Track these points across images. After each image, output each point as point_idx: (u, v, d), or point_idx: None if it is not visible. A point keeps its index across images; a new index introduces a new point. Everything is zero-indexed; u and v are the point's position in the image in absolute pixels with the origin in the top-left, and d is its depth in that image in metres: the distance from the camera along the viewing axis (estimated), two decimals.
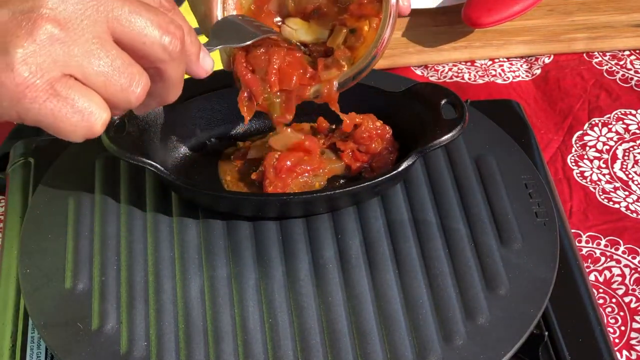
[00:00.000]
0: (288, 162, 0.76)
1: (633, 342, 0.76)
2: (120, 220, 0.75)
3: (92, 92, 0.54)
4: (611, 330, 0.76)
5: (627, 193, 0.88)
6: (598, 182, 0.89)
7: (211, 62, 0.62)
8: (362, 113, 0.80)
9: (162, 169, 0.74)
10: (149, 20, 0.54)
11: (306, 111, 0.82)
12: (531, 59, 1.03)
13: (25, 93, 0.52)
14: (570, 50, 1.04)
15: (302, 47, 0.77)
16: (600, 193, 0.88)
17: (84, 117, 0.53)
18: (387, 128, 0.78)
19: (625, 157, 0.92)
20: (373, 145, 0.78)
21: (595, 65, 1.02)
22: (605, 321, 0.77)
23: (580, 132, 0.95)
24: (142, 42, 0.55)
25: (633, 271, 0.81)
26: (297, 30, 0.78)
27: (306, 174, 0.77)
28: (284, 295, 0.70)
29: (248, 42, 0.73)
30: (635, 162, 0.91)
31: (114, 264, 0.72)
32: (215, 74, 0.89)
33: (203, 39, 0.70)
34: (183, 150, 0.81)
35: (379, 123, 0.78)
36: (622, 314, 0.78)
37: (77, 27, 0.53)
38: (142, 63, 0.55)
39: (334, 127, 0.81)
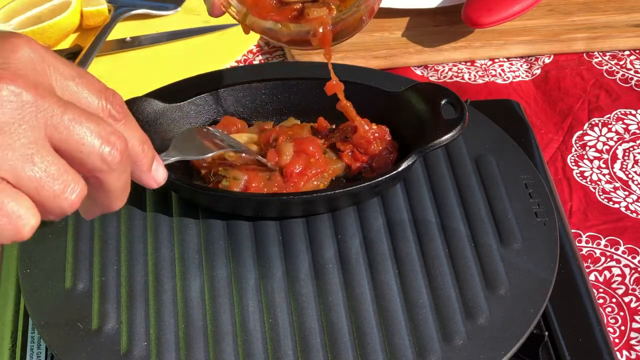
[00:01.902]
0: (299, 167, 0.76)
1: (633, 342, 0.76)
2: (120, 220, 0.75)
3: (22, 197, 0.53)
4: (611, 330, 0.76)
5: (627, 193, 0.88)
6: (598, 182, 0.89)
7: (164, 173, 0.61)
8: (362, 113, 0.80)
9: None
10: (89, 129, 0.54)
11: (306, 112, 0.82)
12: (531, 59, 1.03)
13: None
14: (570, 50, 1.04)
15: None
16: (600, 193, 0.88)
17: (11, 220, 0.53)
18: (385, 128, 0.78)
19: (625, 157, 0.92)
20: (372, 146, 0.78)
21: (595, 65, 1.02)
22: (605, 321, 0.77)
23: (580, 132, 0.95)
24: (80, 151, 0.54)
25: (633, 271, 0.81)
26: None
27: (314, 178, 0.76)
28: (284, 295, 0.70)
29: (206, 156, 0.74)
30: (635, 162, 0.91)
31: (114, 264, 0.72)
32: (215, 75, 0.89)
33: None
34: None
35: (374, 126, 0.78)
36: (622, 314, 0.78)
37: (14, 132, 0.52)
38: (81, 171, 0.55)
39: (333, 126, 0.81)
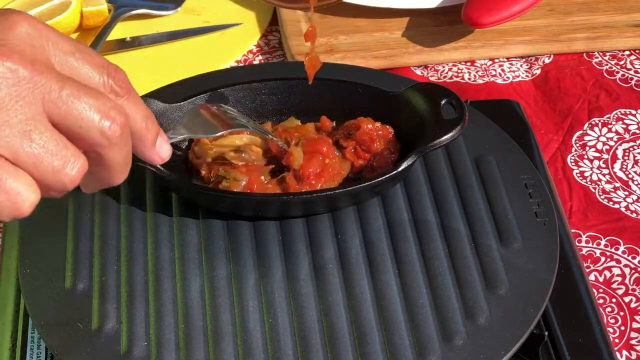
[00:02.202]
0: (317, 169, 0.76)
1: (633, 342, 0.76)
2: (120, 220, 0.75)
3: (21, 173, 0.53)
4: (611, 330, 0.76)
5: (627, 193, 0.88)
6: (598, 182, 0.89)
7: (168, 149, 0.61)
8: (362, 113, 0.80)
9: (162, 169, 0.74)
10: (88, 104, 0.54)
11: (306, 112, 0.82)
12: (531, 59, 1.03)
13: None
14: (570, 50, 1.04)
15: None
16: (600, 193, 0.88)
17: (9, 197, 0.53)
18: (389, 128, 0.78)
19: (625, 157, 0.92)
20: (375, 145, 0.78)
21: (595, 65, 1.02)
22: (605, 321, 0.77)
23: (580, 132, 0.95)
24: (79, 126, 0.54)
25: (633, 271, 0.81)
26: None
27: (329, 179, 0.76)
28: (284, 295, 0.70)
29: (215, 135, 0.73)
30: (635, 162, 0.91)
31: (114, 264, 0.72)
32: (215, 75, 0.89)
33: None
34: (183, 150, 0.81)
35: (378, 124, 0.78)
36: (622, 313, 0.78)
37: (11, 108, 0.52)
38: (81, 146, 0.55)
39: (334, 124, 0.81)
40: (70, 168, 0.54)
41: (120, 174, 0.58)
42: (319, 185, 0.75)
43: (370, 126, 0.78)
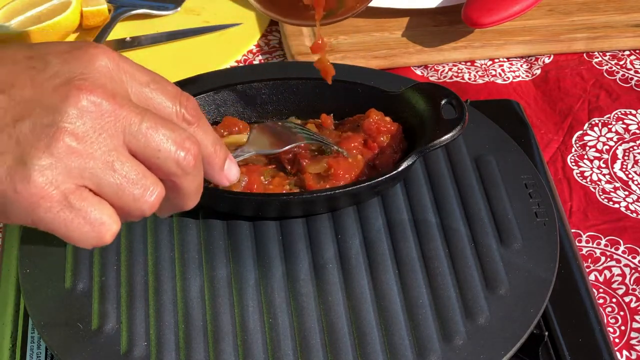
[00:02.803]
0: (340, 172, 0.76)
1: (633, 342, 0.76)
2: None
3: (104, 204, 0.56)
4: (611, 330, 0.76)
5: (627, 193, 0.88)
6: (598, 182, 0.89)
7: (236, 171, 0.64)
8: (363, 113, 0.80)
9: None
10: (165, 136, 0.56)
11: (306, 112, 0.82)
12: (531, 59, 1.03)
13: (40, 203, 0.54)
14: (570, 50, 1.04)
15: None
16: (600, 193, 0.88)
17: (94, 228, 0.55)
18: (398, 126, 0.78)
19: (625, 157, 0.92)
20: (381, 137, 0.78)
21: (595, 65, 1.02)
22: (605, 321, 0.77)
23: (580, 132, 0.95)
24: (157, 157, 0.56)
25: (633, 271, 0.81)
26: None
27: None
28: (284, 295, 0.70)
29: (282, 150, 0.76)
30: (635, 162, 0.91)
31: (114, 264, 0.72)
32: (215, 75, 0.89)
33: None
34: None
35: (388, 118, 0.78)
36: (622, 313, 0.78)
37: (95, 140, 0.55)
38: (157, 174, 0.57)
39: (337, 122, 0.81)
40: (149, 195, 0.57)
41: (192, 200, 0.61)
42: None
43: (377, 117, 0.78)
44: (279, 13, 0.77)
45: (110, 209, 0.56)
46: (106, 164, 0.55)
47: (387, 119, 0.79)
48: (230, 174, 0.63)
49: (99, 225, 0.55)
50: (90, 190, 0.55)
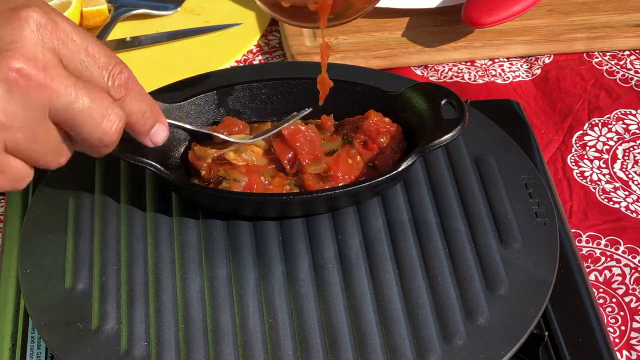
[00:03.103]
0: (340, 174, 0.76)
1: (633, 342, 0.76)
2: (120, 220, 0.75)
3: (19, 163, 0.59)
4: (611, 330, 0.76)
5: (627, 193, 0.88)
6: (598, 182, 0.89)
7: (164, 136, 0.67)
8: (363, 113, 0.80)
9: (162, 169, 0.74)
10: (90, 110, 0.59)
11: (315, 113, 0.82)
12: (531, 59, 1.03)
13: None
14: (570, 50, 1.04)
15: None
16: (600, 193, 0.88)
17: (12, 182, 0.59)
18: (398, 127, 0.78)
19: (625, 157, 0.92)
20: (381, 138, 0.78)
21: (595, 65, 1.02)
22: (605, 321, 0.77)
23: (580, 132, 0.94)
24: (80, 132, 0.59)
25: (633, 271, 0.81)
26: None
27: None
28: (284, 295, 0.70)
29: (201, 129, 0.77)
30: (635, 162, 0.91)
31: (114, 264, 0.72)
32: (215, 75, 0.89)
33: None
34: (183, 150, 0.81)
35: (387, 119, 0.78)
36: (622, 313, 0.78)
37: (20, 112, 0.56)
38: (79, 143, 0.61)
39: (337, 123, 0.81)
40: (60, 160, 0.61)
41: (104, 154, 0.63)
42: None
43: (377, 119, 0.78)
44: (287, 16, 0.77)
45: (25, 167, 0.59)
46: (30, 136, 0.57)
47: (387, 119, 0.79)
48: (156, 138, 0.66)
49: (17, 180, 0.59)
50: (12, 154, 0.58)
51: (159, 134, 0.66)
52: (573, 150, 0.92)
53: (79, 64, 0.59)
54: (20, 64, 0.55)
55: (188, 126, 0.77)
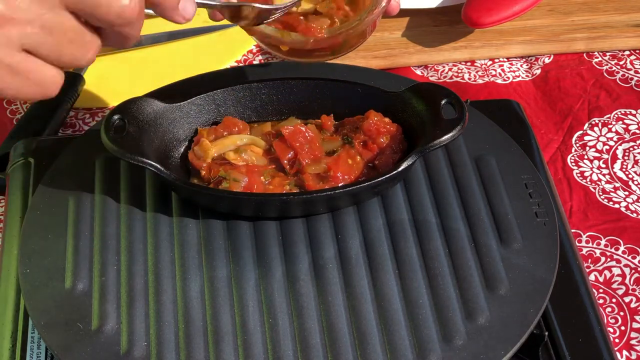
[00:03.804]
0: (346, 177, 0.76)
1: (633, 342, 0.76)
2: (120, 220, 0.75)
3: (44, 65, 0.58)
4: (611, 330, 0.76)
5: (627, 193, 0.88)
6: (598, 182, 0.89)
7: (192, 9, 0.64)
8: (363, 113, 0.80)
9: (162, 169, 0.74)
10: None
11: (306, 112, 0.83)
12: (531, 59, 1.03)
13: None
14: (570, 50, 1.04)
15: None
16: (600, 193, 0.88)
17: (38, 86, 0.58)
18: (398, 127, 0.78)
19: (625, 157, 0.92)
20: (381, 138, 0.78)
21: (595, 65, 1.02)
22: (605, 321, 0.77)
23: (580, 132, 0.95)
24: (97, 13, 0.57)
25: (633, 271, 0.81)
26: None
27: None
28: (284, 295, 0.70)
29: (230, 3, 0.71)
30: (635, 162, 0.91)
31: (114, 264, 0.72)
32: (215, 75, 0.89)
33: None
34: (183, 150, 0.81)
35: (387, 119, 0.78)
36: (622, 313, 0.78)
37: (30, 6, 0.56)
38: (99, 25, 0.59)
39: (336, 123, 0.81)
40: (87, 52, 0.59)
41: (133, 39, 0.61)
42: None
43: (377, 119, 0.78)
44: (287, 54, 0.80)
45: (49, 68, 0.58)
46: (44, 28, 0.56)
47: (387, 119, 0.79)
48: (185, 12, 0.64)
49: (43, 83, 0.58)
50: (31, 53, 0.57)
51: (187, 7, 0.64)
52: (573, 150, 0.92)
53: None
54: None
55: (213, 2, 0.71)
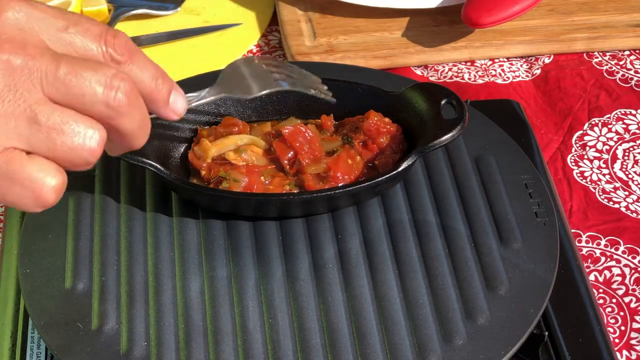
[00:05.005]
0: (345, 177, 0.76)
1: (633, 342, 0.76)
2: (120, 220, 0.75)
3: (34, 161, 0.52)
4: (611, 330, 0.76)
5: (627, 193, 0.88)
6: (598, 182, 0.89)
7: (183, 103, 0.59)
8: (363, 113, 0.80)
9: (162, 169, 0.74)
10: (87, 78, 0.52)
11: (306, 112, 0.82)
12: (531, 59, 1.03)
13: None
14: (570, 50, 1.04)
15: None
16: (600, 193, 0.88)
17: (26, 188, 0.52)
18: (398, 127, 0.78)
19: (625, 157, 0.92)
20: (381, 139, 0.78)
21: (595, 65, 1.02)
22: (605, 321, 0.77)
23: (580, 132, 0.95)
24: (83, 103, 0.53)
25: (633, 271, 0.81)
26: None
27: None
28: (284, 295, 0.70)
29: (250, 96, 0.67)
30: (635, 162, 0.91)
31: (114, 264, 0.72)
32: (215, 75, 0.89)
33: None
34: (183, 150, 0.81)
35: (387, 119, 0.78)
36: (622, 314, 0.78)
37: (12, 99, 0.52)
38: (93, 118, 0.54)
39: (336, 123, 0.81)
40: (88, 140, 0.53)
41: (139, 138, 0.56)
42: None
43: (377, 119, 0.78)
44: None
45: (43, 164, 0.52)
46: (29, 120, 0.51)
47: (387, 119, 0.79)
48: (176, 106, 0.58)
49: (29, 183, 0.52)
50: (23, 150, 0.52)
51: (178, 102, 0.58)
52: (573, 150, 0.92)
53: (67, 39, 0.54)
54: None
55: (213, 97, 0.65)
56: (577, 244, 0.83)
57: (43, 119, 0.52)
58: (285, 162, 0.77)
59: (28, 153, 0.52)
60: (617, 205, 0.87)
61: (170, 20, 1.08)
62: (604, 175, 0.90)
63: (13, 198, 0.52)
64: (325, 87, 0.71)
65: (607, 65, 1.02)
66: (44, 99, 0.52)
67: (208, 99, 0.65)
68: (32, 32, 0.53)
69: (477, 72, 1.01)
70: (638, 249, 0.83)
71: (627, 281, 0.80)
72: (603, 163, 0.91)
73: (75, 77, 0.52)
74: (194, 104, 0.64)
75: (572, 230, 0.83)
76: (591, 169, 0.90)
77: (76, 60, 0.53)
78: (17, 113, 0.51)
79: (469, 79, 1.01)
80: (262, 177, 0.76)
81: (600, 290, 0.80)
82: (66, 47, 0.54)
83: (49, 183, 0.52)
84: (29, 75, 0.52)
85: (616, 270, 0.81)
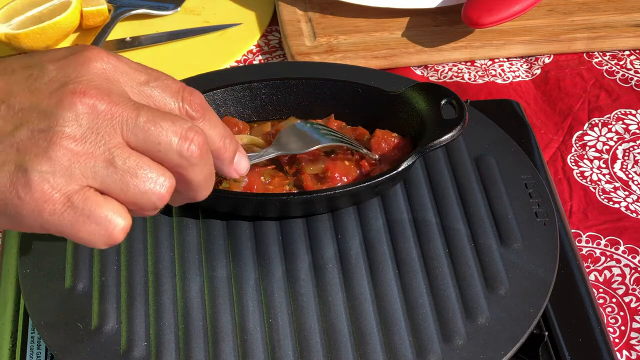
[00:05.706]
0: (343, 178, 0.76)
1: (633, 342, 0.76)
2: None
3: (109, 201, 0.56)
4: (611, 330, 0.76)
5: (627, 193, 0.88)
6: (598, 182, 0.89)
7: (246, 164, 0.64)
8: (363, 113, 0.80)
9: None
10: (164, 128, 0.56)
11: (306, 112, 0.82)
12: (531, 59, 1.03)
13: (44, 207, 0.55)
14: (570, 50, 1.04)
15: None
16: (600, 193, 0.88)
17: (100, 226, 0.56)
18: (406, 141, 0.78)
19: (625, 157, 0.92)
20: (392, 153, 0.78)
21: (595, 65, 1.02)
22: (605, 321, 0.77)
23: (580, 132, 0.95)
24: (158, 150, 0.57)
25: (633, 271, 0.81)
26: None
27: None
28: (284, 295, 0.70)
29: (305, 151, 0.75)
30: (635, 162, 0.91)
31: (114, 264, 0.72)
32: (215, 75, 0.89)
33: None
34: None
35: (394, 135, 0.78)
36: (622, 313, 0.78)
37: (93, 140, 0.55)
38: (164, 166, 0.58)
39: (344, 124, 0.81)
40: (157, 187, 0.57)
41: (203, 191, 0.60)
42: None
43: (384, 145, 0.78)
44: None
45: (116, 205, 0.56)
46: (107, 161, 0.55)
47: (394, 134, 0.78)
48: (240, 167, 0.64)
49: (104, 222, 0.56)
50: (97, 189, 0.56)
51: (242, 163, 0.64)
52: (573, 150, 0.92)
53: (147, 93, 0.59)
54: (84, 94, 0.55)
55: (270, 155, 0.75)
56: (577, 244, 0.83)
57: (120, 162, 0.56)
58: (285, 161, 0.77)
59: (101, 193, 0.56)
60: (617, 205, 0.87)
61: (170, 20, 1.08)
62: (604, 175, 0.90)
63: (84, 234, 0.56)
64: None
65: (607, 65, 1.02)
66: (122, 143, 0.56)
67: (265, 158, 0.74)
68: (116, 82, 0.58)
69: (477, 72, 1.01)
70: (638, 248, 0.83)
71: (627, 281, 0.80)
72: (603, 163, 0.91)
73: (153, 126, 0.56)
74: (253, 161, 0.72)
75: (572, 230, 0.83)
76: (591, 169, 0.91)
77: (155, 111, 0.57)
78: (97, 154, 0.55)
79: (469, 79, 1.01)
80: (262, 177, 0.76)
81: (600, 290, 0.80)
82: (146, 99, 0.59)
83: (120, 224, 0.56)
84: (111, 120, 0.56)
85: (616, 270, 0.81)
